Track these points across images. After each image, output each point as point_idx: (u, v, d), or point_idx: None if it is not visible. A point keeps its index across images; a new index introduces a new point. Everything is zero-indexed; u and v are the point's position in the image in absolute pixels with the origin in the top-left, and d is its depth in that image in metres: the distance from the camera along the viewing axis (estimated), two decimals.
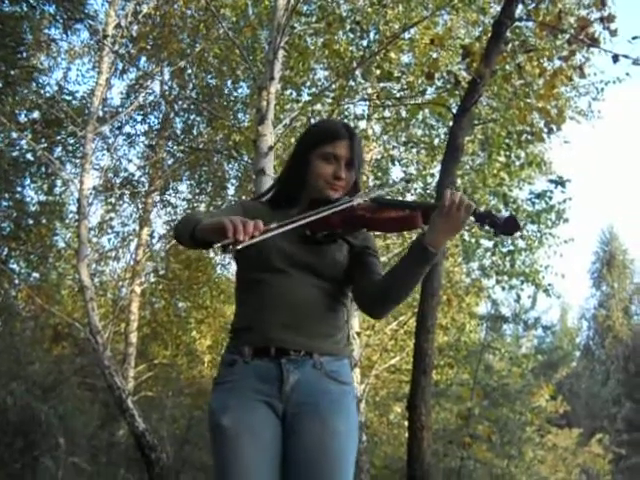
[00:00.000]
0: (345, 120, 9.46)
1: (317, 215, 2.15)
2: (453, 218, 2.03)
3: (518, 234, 8.56)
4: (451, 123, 5.35)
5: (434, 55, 7.18)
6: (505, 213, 2.08)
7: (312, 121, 9.63)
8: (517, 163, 8.14)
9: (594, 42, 5.21)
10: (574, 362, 25.01)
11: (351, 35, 8.19)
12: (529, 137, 6.59)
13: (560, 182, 8.09)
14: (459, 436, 7.17)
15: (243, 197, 11.78)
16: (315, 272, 2.26)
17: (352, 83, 8.33)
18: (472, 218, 2.05)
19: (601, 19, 5.06)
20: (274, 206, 2.34)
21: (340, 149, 2.29)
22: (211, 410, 2.23)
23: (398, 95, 8.33)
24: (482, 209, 2.09)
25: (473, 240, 9.45)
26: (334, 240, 2.28)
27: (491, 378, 8.86)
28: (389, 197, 2.43)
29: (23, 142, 11.56)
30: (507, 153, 7.90)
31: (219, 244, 1.92)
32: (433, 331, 4.83)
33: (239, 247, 1.91)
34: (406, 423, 5.36)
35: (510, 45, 5.57)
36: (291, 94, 9.79)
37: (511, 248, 9.28)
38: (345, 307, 2.36)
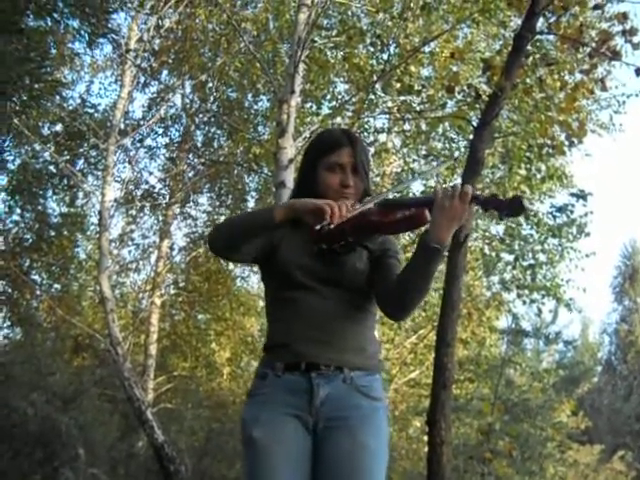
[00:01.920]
0: (365, 133, 9.47)
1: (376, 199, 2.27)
2: (449, 210, 2.03)
3: (523, 215, 8.48)
4: (471, 136, 5.34)
5: (454, 69, 7.18)
6: (510, 196, 2.08)
7: None
8: (538, 176, 8.09)
9: (616, 55, 5.18)
10: (595, 377, 24.73)
11: (371, 49, 8.21)
12: (550, 150, 6.55)
13: (581, 196, 8.04)
14: (480, 451, 7.10)
15: None
16: (339, 284, 2.27)
17: (372, 96, 8.33)
18: (476, 204, 2.05)
19: (623, 32, 5.04)
20: (292, 224, 2.34)
21: (343, 157, 2.31)
22: (243, 422, 2.27)
23: (418, 108, 8.33)
24: (485, 194, 2.09)
25: (494, 254, 9.41)
26: (352, 249, 2.29)
27: (512, 393, 8.77)
28: (393, 198, 2.43)
29: (46, 154, 11.69)
30: (528, 166, 7.86)
31: (318, 225, 2.12)
32: (453, 345, 4.80)
33: (332, 227, 2.12)
34: (426, 438, 5.33)
35: (531, 58, 5.56)
36: (311, 107, 9.82)
37: (532, 262, 9.21)
38: (373, 314, 2.38)
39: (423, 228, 2.18)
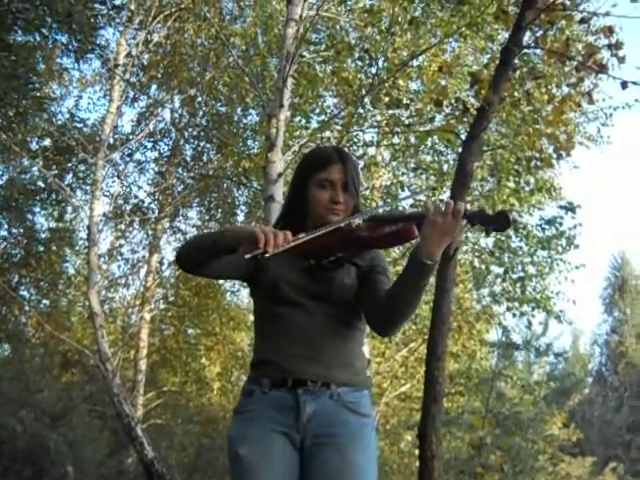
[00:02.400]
0: (354, 147, 9.50)
1: (329, 228, 2.19)
2: (441, 226, 2.02)
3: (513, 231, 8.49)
4: (460, 149, 5.36)
5: (442, 82, 7.22)
6: (496, 211, 2.08)
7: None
8: (527, 189, 8.12)
9: (602, 69, 5.21)
10: (587, 389, 24.75)
11: (359, 63, 8.24)
12: (538, 163, 6.58)
13: (570, 208, 8.06)
14: (471, 466, 7.07)
15: (253, 224, 11.81)
16: (327, 300, 2.27)
17: (361, 110, 8.36)
18: (464, 220, 2.05)
19: (609, 46, 5.07)
20: None
21: (333, 174, 2.31)
22: (230, 439, 2.26)
23: (407, 122, 8.35)
24: (472, 208, 2.09)
25: (483, 267, 9.43)
26: (340, 265, 2.29)
27: (503, 406, 8.75)
28: (382, 213, 2.43)
29: (34, 169, 11.64)
30: (516, 179, 7.89)
31: (250, 254, 2.00)
32: (444, 359, 4.79)
33: (267, 256, 2.00)
34: (417, 452, 5.30)
35: (518, 72, 5.59)
36: (300, 121, 9.84)
37: (522, 274, 9.23)
38: (361, 331, 2.37)
39: (413, 242, 2.18)
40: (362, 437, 2.22)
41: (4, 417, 7.70)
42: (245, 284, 2.48)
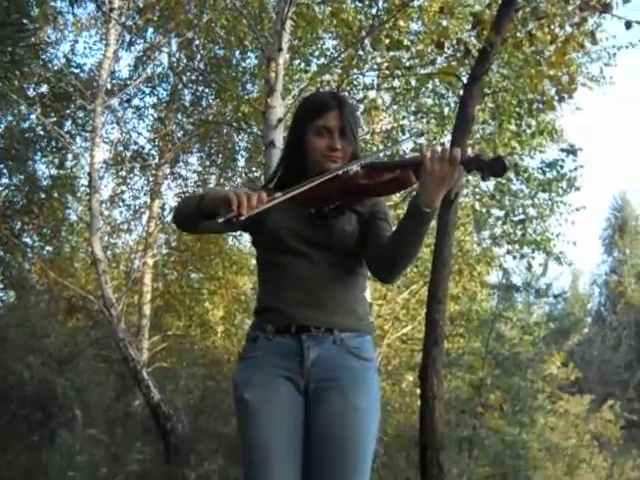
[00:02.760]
0: (354, 90, 9.40)
1: (314, 182, 2.18)
2: (438, 173, 2.02)
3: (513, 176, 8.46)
4: (461, 92, 5.31)
5: (444, 23, 7.10)
6: (492, 156, 2.08)
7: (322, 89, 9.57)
8: (528, 132, 8.06)
9: (606, 8, 5.14)
10: (586, 328, 24.99)
11: (359, 4, 8.09)
12: (540, 106, 6.53)
13: (571, 151, 8.03)
14: (471, 405, 7.22)
15: (254, 170, 11.78)
16: (328, 248, 2.29)
17: (361, 52, 8.24)
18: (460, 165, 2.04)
19: None
20: (281, 188, 2.35)
21: (330, 120, 2.30)
22: (235, 384, 2.30)
23: (408, 64, 8.25)
24: (469, 154, 2.09)
25: (484, 210, 9.43)
26: (341, 212, 2.30)
27: (503, 347, 8.87)
28: (380, 160, 2.43)
29: (33, 117, 11.57)
30: (518, 122, 7.83)
31: (222, 218, 1.99)
32: (445, 302, 4.85)
33: (242, 218, 1.98)
34: (418, 391, 5.41)
35: (521, 12, 5.50)
36: (300, 64, 9.71)
37: (522, 217, 9.24)
38: (363, 276, 2.39)
39: (412, 189, 2.19)
40: (365, 381, 2.27)
41: (12, 363, 7.81)
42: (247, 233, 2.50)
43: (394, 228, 2.27)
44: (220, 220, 2.00)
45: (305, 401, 2.25)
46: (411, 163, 2.16)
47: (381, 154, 2.72)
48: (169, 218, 13.22)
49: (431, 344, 4.75)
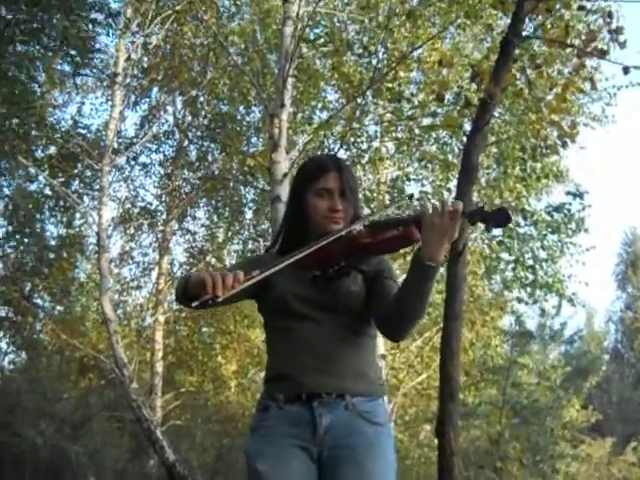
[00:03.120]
0: (358, 141, 9.46)
1: (306, 251, 2.15)
2: (440, 226, 1.99)
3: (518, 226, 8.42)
4: (464, 140, 5.33)
5: (443, 72, 7.17)
6: (495, 207, 2.05)
7: (326, 142, 9.65)
8: (533, 176, 8.06)
9: (603, 54, 5.16)
10: (603, 367, 24.67)
11: (359, 59, 8.19)
12: (544, 150, 6.54)
13: (578, 194, 8.01)
14: (490, 460, 7.07)
15: (262, 222, 11.81)
16: (335, 310, 2.25)
17: (362, 103, 8.31)
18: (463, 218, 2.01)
19: (609, 31, 5.03)
20: (284, 254, 2.32)
21: (330, 182, 2.30)
22: (248, 455, 2.25)
23: (409, 114, 8.30)
24: (471, 206, 2.06)
25: (493, 255, 9.39)
26: (346, 273, 2.27)
27: (520, 394, 8.73)
28: (381, 218, 2.41)
29: (41, 177, 11.69)
30: (522, 166, 7.84)
31: (197, 302, 1.97)
32: (458, 355, 4.78)
33: (219, 300, 1.95)
34: (436, 441, 5.31)
35: (519, 62, 5.55)
36: (303, 117, 9.81)
37: (531, 263, 9.18)
38: (372, 338, 2.35)
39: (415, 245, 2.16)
40: (379, 445, 2.22)
41: (24, 428, 7.76)
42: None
43: (400, 286, 2.25)
44: (194, 304, 1.98)
45: (319, 469, 2.20)
46: (413, 219, 2.13)
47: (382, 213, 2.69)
48: (178, 274, 13.27)
49: (446, 399, 4.67)
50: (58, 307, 13.31)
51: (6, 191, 12.27)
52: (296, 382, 2.21)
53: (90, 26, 9.44)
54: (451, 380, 4.67)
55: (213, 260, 12.74)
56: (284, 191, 7.15)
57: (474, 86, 5.93)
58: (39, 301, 13.10)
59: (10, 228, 12.36)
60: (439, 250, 2.03)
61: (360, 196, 2.48)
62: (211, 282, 1.94)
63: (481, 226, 2.12)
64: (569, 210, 8.80)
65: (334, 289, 2.25)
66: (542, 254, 9.39)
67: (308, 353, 2.22)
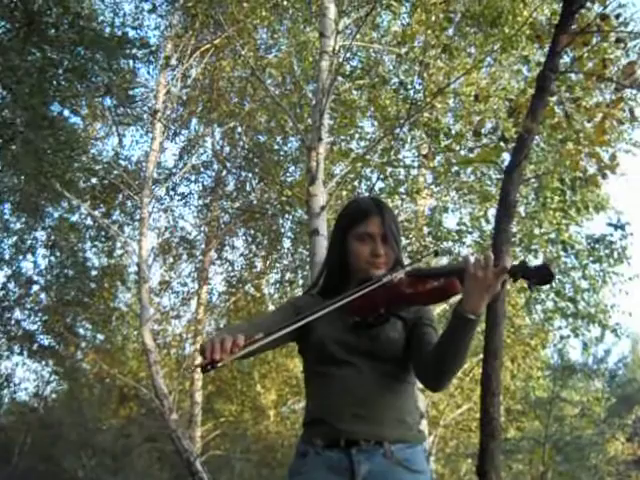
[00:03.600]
0: (396, 170, 9.44)
1: (347, 298, 2.15)
2: (482, 281, 1.98)
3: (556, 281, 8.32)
4: (502, 172, 5.28)
5: (480, 107, 7.16)
6: (538, 262, 2.03)
7: (363, 172, 9.66)
8: (573, 208, 7.96)
9: None
10: None
11: (395, 93, 8.20)
12: (583, 183, 6.47)
13: (619, 226, 7.88)
14: None
15: (300, 251, 11.83)
16: (374, 357, 2.24)
17: (400, 133, 8.31)
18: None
19: None
20: (325, 295, 2.34)
21: (372, 227, 2.30)
22: None
23: (447, 142, 8.27)
24: (514, 262, 2.04)
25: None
26: (386, 320, 2.26)
27: (562, 429, 8.53)
28: (423, 267, 2.39)
29: (83, 208, 11.90)
30: (562, 198, 7.76)
31: (198, 367, 1.98)
32: (498, 393, 4.70)
33: (219, 365, 1.93)
34: (475, 477, 5.22)
35: (556, 96, 5.51)
36: (340, 148, 9.84)
37: (572, 295, 9.02)
38: (411, 384, 2.33)
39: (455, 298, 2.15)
40: None
41: (66, 460, 7.83)
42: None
43: (439, 337, 2.24)
44: (194, 368, 2.00)
45: None
46: (457, 271, 2.10)
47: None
48: (217, 303, 13.36)
49: (488, 438, 4.59)
50: (99, 336, 13.48)
51: (49, 222, 12.53)
52: (334, 428, 2.19)
53: (131, 62, 9.70)
54: (492, 420, 4.60)
55: (252, 289, 12.80)
56: (322, 224, 7.17)
57: (511, 120, 5.90)
58: (81, 330, 13.30)
59: (53, 259, 12.59)
60: (481, 303, 2.02)
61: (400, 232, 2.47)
62: (210, 347, 1.93)
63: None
64: (610, 242, 8.66)
65: (374, 335, 2.25)
66: (584, 284, 9.24)
67: (347, 399, 2.20)
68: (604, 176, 5.75)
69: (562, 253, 8.31)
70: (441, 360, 2.15)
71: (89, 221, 12.53)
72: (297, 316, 2.21)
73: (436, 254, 7.01)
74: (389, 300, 2.21)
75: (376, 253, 2.29)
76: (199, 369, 2.01)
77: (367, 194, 8.79)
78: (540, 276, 1.98)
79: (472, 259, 2.03)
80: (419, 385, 2.41)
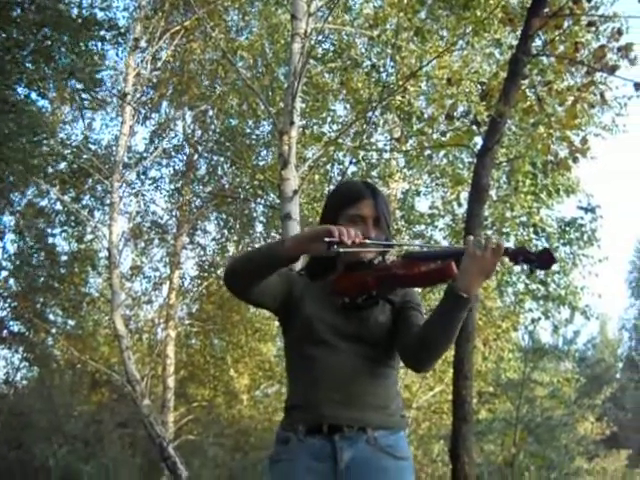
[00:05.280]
0: (369, 154, 9.43)
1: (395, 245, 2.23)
2: (481, 262, 1.98)
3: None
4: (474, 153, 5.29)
5: (452, 90, 7.15)
6: (539, 248, 2.03)
7: (336, 156, 9.63)
8: (544, 193, 8.02)
9: (613, 70, 5.13)
10: (618, 374, 24.50)
11: (367, 76, 8.17)
12: (554, 167, 6.50)
13: (590, 209, 7.96)
14: None
15: (273, 236, 11.81)
16: (361, 340, 2.21)
17: (372, 117, 8.29)
18: (506, 257, 2.00)
19: (618, 49, 5.00)
20: (312, 276, 2.32)
21: (365, 209, 2.27)
22: None
23: (419, 126, 8.26)
24: (514, 246, 2.04)
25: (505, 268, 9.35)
26: (376, 303, 2.23)
27: (533, 410, 8.63)
28: (418, 250, 2.37)
29: (52, 193, 11.72)
30: (533, 181, 7.80)
31: (327, 239, 2.00)
32: (471, 377, 4.74)
33: (341, 250, 2.01)
34: (447, 457, 5.26)
35: (528, 80, 5.52)
36: (312, 131, 9.79)
37: (542, 276, 9.12)
38: (395, 370, 2.32)
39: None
40: None
41: (37, 447, 7.75)
42: (277, 318, 2.43)
43: (429, 316, 2.22)
44: (324, 241, 2.01)
45: None
46: (453, 253, 2.09)
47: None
48: (189, 287, 13.29)
49: (460, 421, 4.63)
50: (70, 322, 13.35)
51: (17, 207, 12.34)
52: (317, 413, 2.17)
53: (99, 44, 9.53)
54: (464, 403, 4.63)
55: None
56: (294, 208, 7.11)
57: (483, 103, 5.90)
58: (51, 316, 13.15)
59: (21, 244, 12.41)
60: (475, 284, 2.02)
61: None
62: (338, 231, 2.00)
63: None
64: (581, 225, 8.76)
65: (362, 318, 2.22)
66: (554, 266, 9.32)
67: (331, 384, 2.18)
68: (575, 160, 5.78)
69: (533, 236, 8.40)
70: (429, 338, 2.12)
71: (58, 206, 12.34)
72: (288, 286, 2.24)
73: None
74: (381, 282, 2.18)
75: (367, 236, 2.26)
76: (324, 245, 2.01)
77: (340, 178, 8.78)
78: (541, 260, 1.98)
79: (473, 241, 2.02)
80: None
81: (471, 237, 2.04)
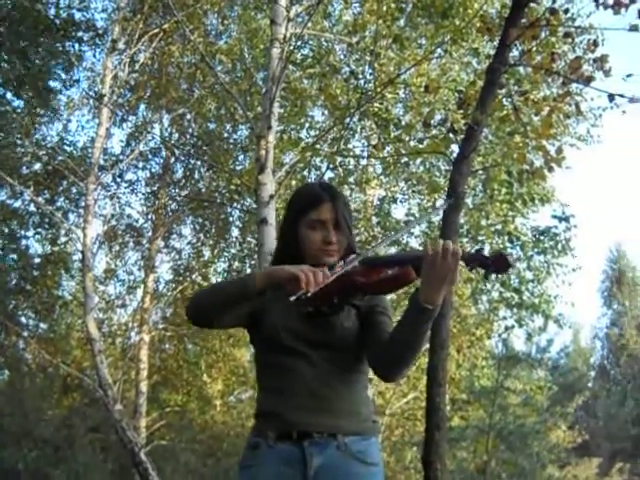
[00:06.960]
0: (346, 160, 9.44)
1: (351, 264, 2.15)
2: (441, 269, 1.93)
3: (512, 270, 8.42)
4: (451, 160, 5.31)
5: (430, 98, 7.19)
6: (495, 252, 2.01)
7: (313, 161, 9.63)
8: (519, 202, 8.08)
9: (588, 81, 5.18)
10: (590, 383, 24.70)
11: (346, 83, 8.19)
12: (530, 176, 6.55)
13: (564, 218, 8.03)
14: None
15: (249, 240, 11.77)
16: (328, 347, 2.20)
17: (350, 123, 8.30)
18: (461, 262, 1.96)
19: (594, 60, 5.05)
20: (277, 287, 2.31)
21: (324, 213, 2.25)
22: None
23: (397, 133, 8.29)
24: (471, 251, 2.01)
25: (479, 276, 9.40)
26: (340, 308, 2.22)
27: (506, 418, 8.67)
28: (378, 255, 2.35)
29: (26, 195, 11.59)
30: (509, 190, 7.86)
31: (294, 296, 2.00)
32: (444, 384, 4.74)
33: (309, 295, 2.00)
34: (420, 464, 5.26)
35: (505, 89, 5.55)
36: (290, 137, 9.79)
37: (517, 286, 9.19)
38: (365, 375, 2.30)
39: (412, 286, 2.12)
40: None
41: (6, 451, 7.64)
42: (246, 331, 2.42)
43: (394, 325, 2.20)
44: (292, 298, 1.99)
45: None
46: (410, 259, 2.07)
47: (381, 247, 2.66)
48: (164, 292, 13.19)
49: (433, 428, 4.62)
50: (42, 325, 13.18)
51: None
52: (286, 420, 2.15)
53: (77, 45, 9.45)
54: (437, 410, 4.63)
55: (199, 278, 12.68)
56: (271, 213, 7.08)
57: (460, 111, 5.93)
58: (23, 319, 12.98)
59: None
60: (438, 293, 1.97)
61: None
62: (305, 279, 2.01)
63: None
64: (555, 234, 8.83)
65: (328, 325, 2.21)
66: (528, 275, 9.40)
67: (300, 391, 2.17)
68: (550, 169, 5.81)
69: (508, 244, 8.45)
70: (395, 351, 2.11)
71: (32, 207, 12.19)
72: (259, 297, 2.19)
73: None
74: (343, 289, 2.16)
75: (328, 240, 2.24)
76: (292, 297, 2.01)
77: None
78: (497, 265, 1.95)
79: (431, 246, 1.98)
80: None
81: (429, 242, 2.01)
